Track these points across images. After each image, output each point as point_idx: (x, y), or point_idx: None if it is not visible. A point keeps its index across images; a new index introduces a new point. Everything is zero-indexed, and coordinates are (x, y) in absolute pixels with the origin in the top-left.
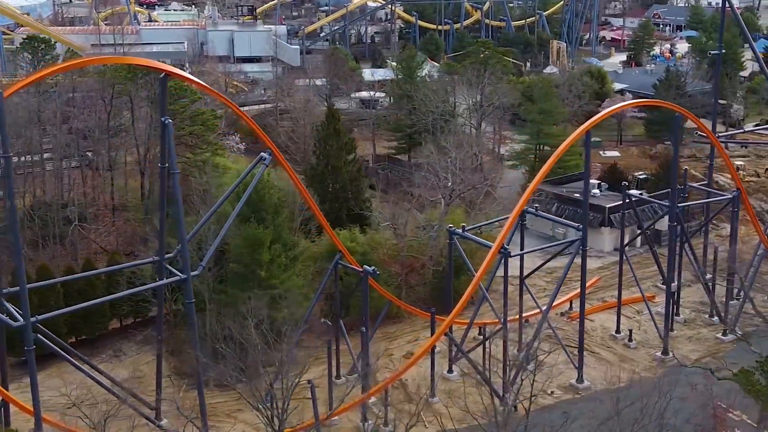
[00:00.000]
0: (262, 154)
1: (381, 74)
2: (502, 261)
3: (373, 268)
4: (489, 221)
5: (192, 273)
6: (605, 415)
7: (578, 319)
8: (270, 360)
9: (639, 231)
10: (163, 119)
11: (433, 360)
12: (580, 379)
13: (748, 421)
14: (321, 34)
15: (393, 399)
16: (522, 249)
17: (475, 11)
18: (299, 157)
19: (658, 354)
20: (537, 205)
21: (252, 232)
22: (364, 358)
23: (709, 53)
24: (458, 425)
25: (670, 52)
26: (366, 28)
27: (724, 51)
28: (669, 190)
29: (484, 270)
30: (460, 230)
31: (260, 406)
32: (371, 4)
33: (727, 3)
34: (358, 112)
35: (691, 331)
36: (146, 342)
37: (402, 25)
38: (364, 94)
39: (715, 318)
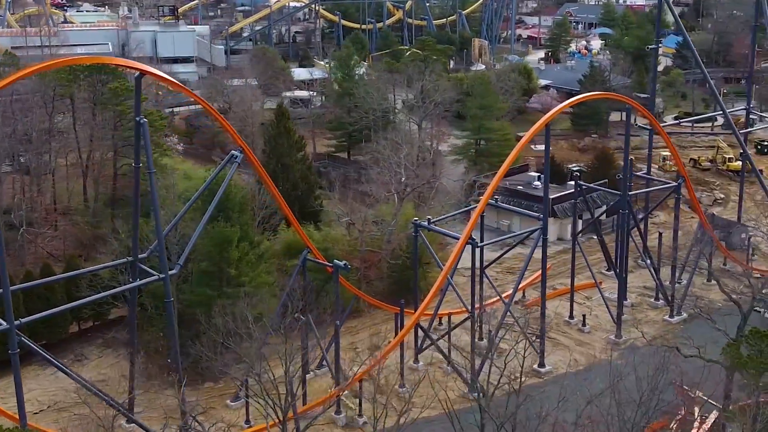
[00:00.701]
0: (233, 152)
1: (319, 73)
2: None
3: (344, 262)
4: (453, 213)
5: (170, 272)
6: (584, 394)
7: (533, 307)
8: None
9: (588, 220)
10: (138, 119)
11: (402, 351)
12: (541, 364)
13: (707, 399)
14: (244, 35)
15: (363, 391)
16: (482, 240)
17: (397, 10)
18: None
19: (612, 337)
20: (498, 197)
21: (220, 231)
22: (337, 352)
23: (647, 47)
24: (431, 413)
25: (586, 48)
26: (289, 28)
27: (647, 47)
28: (606, 180)
29: (453, 261)
30: (426, 222)
31: (265, 398)
32: (293, 3)
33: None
34: (296, 111)
35: (639, 314)
36: (107, 345)
37: (324, 25)
38: (304, 93)
39: (660, 301)
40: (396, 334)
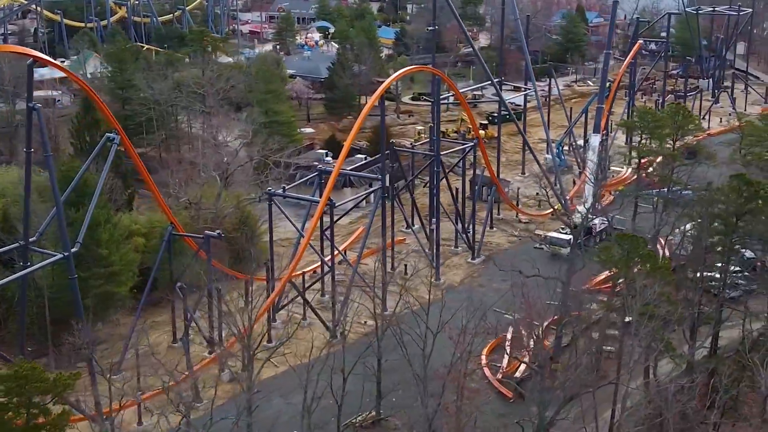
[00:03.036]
0: (108, 135)
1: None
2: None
3: (218, 231)
4: (302, 179)
5: (72, 250)
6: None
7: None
8: None
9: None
10: (30, 105)
11: (269, 311)
12: (384, 308)
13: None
14: None
15: (235, 349)
16: None
17: (120, 8)
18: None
19: (433, 281)
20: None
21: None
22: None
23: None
24: (303, 360)
25: (314, 41)
26: (5, 29)
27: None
28: (388, 151)
29: (315, 223)
30: (281, 191)
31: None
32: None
33: None
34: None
35: (445, 260)
36: None
37: (42, 24)
38: (51, 92)
39: (459, 248)
40: (246, 299)
